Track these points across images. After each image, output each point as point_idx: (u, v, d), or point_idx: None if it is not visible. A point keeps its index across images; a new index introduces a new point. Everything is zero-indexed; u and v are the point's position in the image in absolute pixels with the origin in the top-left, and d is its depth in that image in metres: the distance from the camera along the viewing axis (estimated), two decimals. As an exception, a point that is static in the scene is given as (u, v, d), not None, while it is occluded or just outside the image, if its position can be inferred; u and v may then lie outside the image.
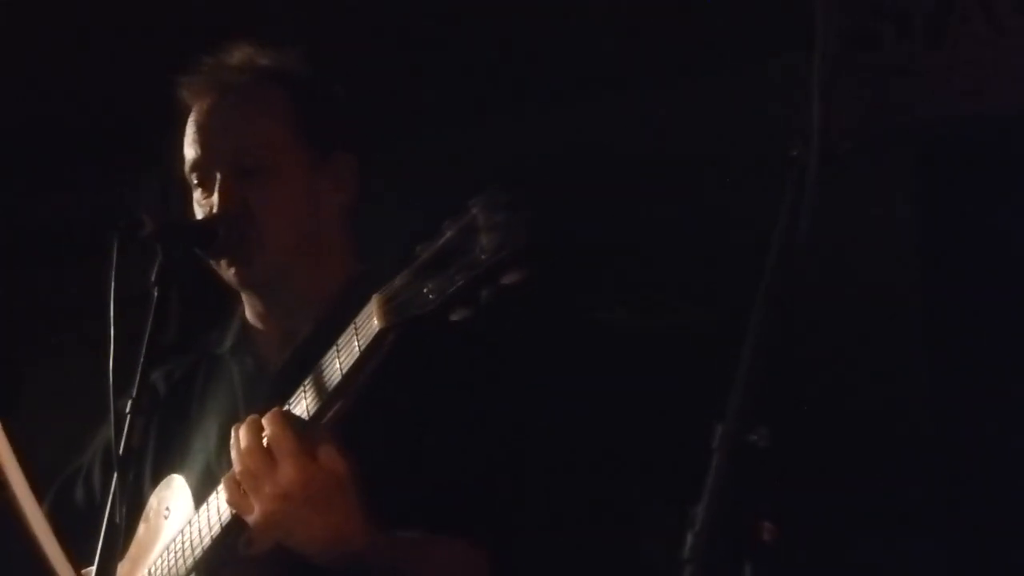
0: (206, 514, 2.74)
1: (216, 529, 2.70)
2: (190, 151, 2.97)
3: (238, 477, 2.63)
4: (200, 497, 2.80)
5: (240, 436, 2.65)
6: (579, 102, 4.65)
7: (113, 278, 2.71)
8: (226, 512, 2.68)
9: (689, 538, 1.84)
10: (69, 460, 3.24)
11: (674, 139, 4.52)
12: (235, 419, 2.86)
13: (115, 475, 2.56)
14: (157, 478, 2.99)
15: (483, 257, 2.27)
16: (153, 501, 2.95)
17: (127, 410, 2.61)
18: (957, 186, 4.24)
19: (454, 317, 2.33)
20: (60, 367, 5.03)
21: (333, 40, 4.09)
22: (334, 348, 2.54)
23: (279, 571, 2.68)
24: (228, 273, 2.93)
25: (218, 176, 2.91)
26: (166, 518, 2.91)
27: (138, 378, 2.66)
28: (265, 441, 2.62)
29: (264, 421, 2.63)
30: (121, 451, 2.60)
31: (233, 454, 2.65)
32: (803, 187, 2.04)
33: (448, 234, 2.34)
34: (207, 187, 2.93)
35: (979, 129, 4.16)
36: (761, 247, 2.03)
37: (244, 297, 3.04)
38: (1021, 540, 3.94)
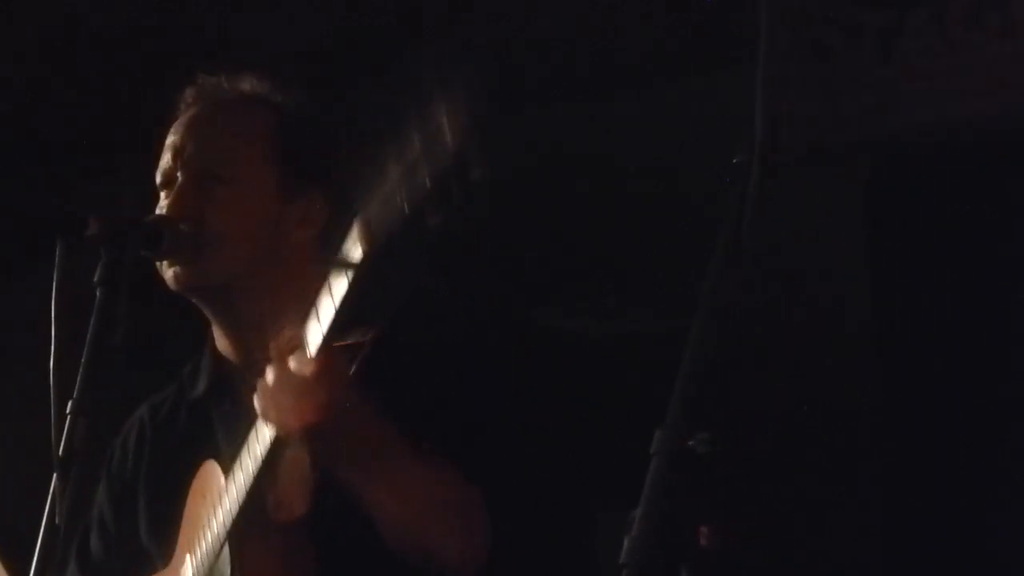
0: (232, 486, 2.78)
1: (242, 493, 2.74)
2: (163, 157, 2.99)
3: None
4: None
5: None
6: (535, 110, 4.65)
7: (56, 280, 2.71)
8: (250, 478, 2.71)
9: (626, 542, 1.84)
10: (25, 465, 3.23)
11: (629, 146, 4.54)
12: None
13: (55, 476, 2.56)
14: (153, 527, 3.04)
15: (448, 157, 2.25)
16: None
17: (67, 411, 2.61)
18: (906, 198, 4.26)
19: (431, 221, 2.34)
20: (13, 373, 4.99)
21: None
22: (326, 285, 2.54)
23: (304, 537, 2.75)
24: (168, 275, 2.92)
25: (180, 180, 2.92)
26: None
27: (79, 380, 2.66)
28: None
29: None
30: (62, 452, 2.60)
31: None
32: (746, 194, 2.04)
33: (415, 138, 2.32)
34: (170, 189, 2.95)
35: (929, 142, 4.18)
36: (713, 253, 2.03)
37: (205, 312, 3.03)
38: (964, 541, 3.97)
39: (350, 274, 2.48)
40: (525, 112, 4.61)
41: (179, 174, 2.93)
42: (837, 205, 4.33)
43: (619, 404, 4.20)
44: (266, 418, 2.67)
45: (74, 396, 2.64)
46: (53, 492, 2.57)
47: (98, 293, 2.73)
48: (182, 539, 3.01)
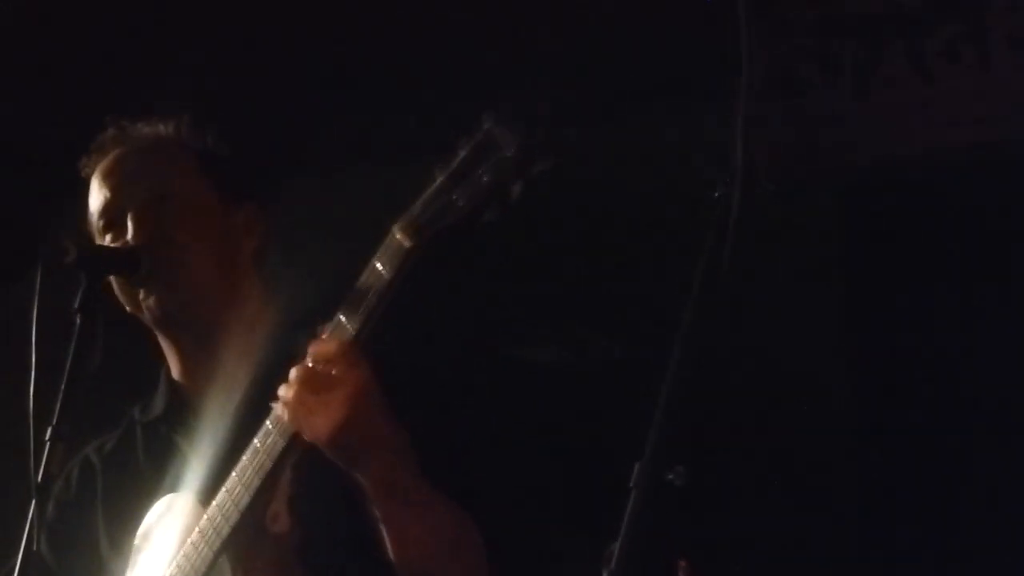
0: (227, 498, 2.75)
1: (244, 503, 2.71)
2: (97, 198, 3.00)
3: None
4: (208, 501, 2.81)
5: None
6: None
7: (35, 305, 2.71)
8: (254, 487, 2.69)
9: (604, 575, 1.85)
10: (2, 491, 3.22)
11: (601, 176, 4.54)
12: None
13: (33, 502, 2.56)
14: (115, 546, 2.99)
15: (509, 153, 2.37)
16: (137, 537, 2.96)
17: (46, 437, 2.61)
18: (881, 230, 4.28)
19: (488, 216, 2.37)
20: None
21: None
22: (369, 269, 2.55)
23: (304, 547, 2.74)
24: (148, 303, 2.91)
25: (131, 211, 2.93)
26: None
27: (59, 405, 2.66)
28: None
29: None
30: (40, 478, 2.60)
31: None
32: (726, 226, 2.05)
33: (465, 148, 2.43)
34: (119, 225, 2.95)
35: (904, 175, 4.20)
36: (687, 285, 2.04)
37: (165, 345, 3.03)
38: (943, 566, 3.98)
39: (394, 267, 2.51)
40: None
41: (128, 206, 2.94)
42: (813, 237, 4.35)
43: (589, 435, 4.20)
44: (293, 415, 2.63)
45: (53, 423, 2.64)
46: (31, 519, 2.57)
47: (77, 319, 2.73)
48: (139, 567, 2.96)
